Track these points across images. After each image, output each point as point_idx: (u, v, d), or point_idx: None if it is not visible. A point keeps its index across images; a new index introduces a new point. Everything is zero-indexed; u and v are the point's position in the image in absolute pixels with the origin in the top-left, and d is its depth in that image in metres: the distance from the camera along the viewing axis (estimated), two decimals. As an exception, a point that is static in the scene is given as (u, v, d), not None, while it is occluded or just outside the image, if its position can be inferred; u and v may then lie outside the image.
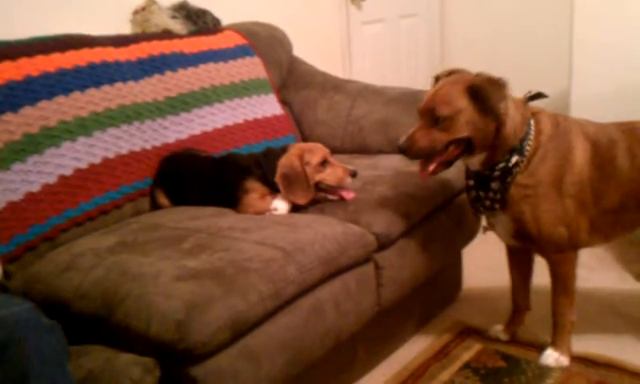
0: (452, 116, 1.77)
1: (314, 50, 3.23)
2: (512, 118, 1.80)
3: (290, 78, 2.89)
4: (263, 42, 2.78)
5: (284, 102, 2.76)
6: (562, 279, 1.98)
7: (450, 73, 1.92)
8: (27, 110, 1.90)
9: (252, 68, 2.64)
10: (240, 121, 2.50)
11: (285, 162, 2.01)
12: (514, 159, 1.82)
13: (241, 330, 1.47)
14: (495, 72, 4.55)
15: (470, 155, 1.84)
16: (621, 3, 2.86)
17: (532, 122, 1.86)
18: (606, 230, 1.97)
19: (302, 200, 2.01)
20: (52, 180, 1.90)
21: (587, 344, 2.14)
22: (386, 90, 2.73)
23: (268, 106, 2.61)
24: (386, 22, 4.04)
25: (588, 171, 1.86)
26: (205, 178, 2.12)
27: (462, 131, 1.78)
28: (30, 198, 1.85)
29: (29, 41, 2.04)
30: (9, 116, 1.86)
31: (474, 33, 4.41)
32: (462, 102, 1.77)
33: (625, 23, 2.86)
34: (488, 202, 1.89)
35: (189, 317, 1.38)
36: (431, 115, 1.79)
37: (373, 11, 3.89)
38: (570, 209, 1.87)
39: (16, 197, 1.82)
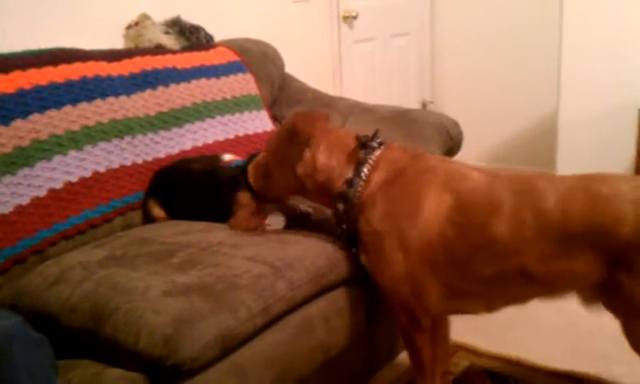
0: (268, 161, 1.83)
1: (306, 67, 3.26)
2: (324, 166, 1.72)
3: (282, 94, 2.91)
4: (255, 58, 2.80)
5: (275, 119, 2.78)
6: (414, 353, 1.73)
7: (307, 113, 1.97)
8: (18, 123, 1.90)
9: (244, 84, 2.66)
10: (231, 136, 2.51)
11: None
12: (341, 206, 1.71)
13: (230, 346, 1.46)
14: (485, 91, 4.61)
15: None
16: (609, 25, 2.91)
17: (365, 168, 1.68)
18: (483, 298, 1.66)
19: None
20: (42, 193, 1.90)
21: (577, 361, 2.15)
22: (376, 108, 2.75)
23: (259, 122, 2.63)
24: (377, 41, 4.08)
25: (440, 229, 1.57)
26: (197, 190, 2.12)
27: (275, 176, 1.83)
28: (20, 210, 1.84)
29: (22, 54, 2.05)
30: (0, 128, 1.86)
31: (464, 52, 4.47)
32: (271, 150, 1.83)
33: (613, 45, 2.91)
34: (345, 243, 1.80)
35: (178, 332, 1.38)
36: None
37: (365, 30, 3.93)
38: (415, 267, 1.60)
39: (5, 209, 1.82)
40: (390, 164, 1.68)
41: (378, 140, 1.74)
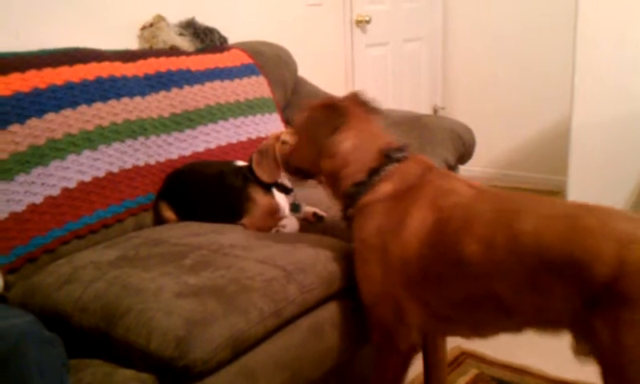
0: (296, 135, 1.79)
1: (319, 70, 3.27)
2: (345, 155, 1.65)
3: (295, 97, 2.91)
4: (269, 61, 2.81)
5: (288, 122, 2.78)
6: (382, 375, 1.65)
7: (352, 94, 1.80)
8: (34, 122, 1.92)
9: (257, 87, 2.66)
10: (244, 139, 2.52)
11: (263, 142, 2.08)
12: (350, 210, 1.67)
13: (241, 348, 1.46)
14: (497, 97, 4.58)
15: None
16: (623, 30, 2.89)
17: (376, 177, 1.62)
18: (464, 324, 1.57)
19: (267, 177, 2.03)
20: (55, 192, 1.91)
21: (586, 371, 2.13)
22: (389, 113, 2.74)
23: (272, 125, 2.63)
24: (389, 46, 4.08)
25: (419, 247, 1.49)
26: (207, 192, 2.13)
27: (298, 152, 1.76)
28: (33, 209, 1.86)
29: (37, 53, 2.06)
30: (15, 127, 1.87)
31: (476, 58, 4.46)
32: (301, 123, 1.75)
33: (627, 52, 2.89)
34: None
35: (189, 334, 1.38)
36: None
37: (377, 34, 3.93)
38: (393, 285, 1.54)
39: (19, 208, 1.83)
40: (402, 179, 1.61)
41: (402, 154, 1.66)
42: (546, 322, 1.42)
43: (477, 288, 1.42)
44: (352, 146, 1.66)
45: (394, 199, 1.59)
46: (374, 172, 1.63)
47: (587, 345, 1.35)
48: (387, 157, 1.65)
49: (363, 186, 1.63)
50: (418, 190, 1.57)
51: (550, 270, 1.31)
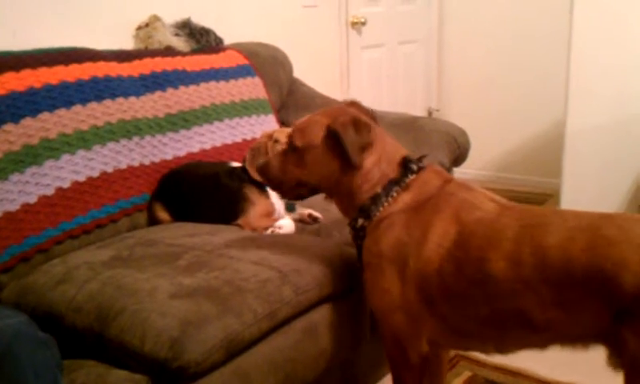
0: (304, 149, 1.62)
1: (314, 72, 3.27)
2: (367, 171, 1.59)
3: (290, 99, 2.92)
4: (264, 62, 2.81)
5: (283, 123, 2.78)
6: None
7: (351, 103, 1.75)
8: (28, 121, 1.91)
9: (252, 88, 2.66)
10: (239, 140, 2.52)
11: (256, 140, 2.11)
12: (360, 221, 1.61)
13: (235, 349, 1.46)
14: (491, 100, 4.59)
15: (328, 198, 1.70)
16: (618, 36, 2.91)
17: (395, 189, 1.58)
18: (486, 340, 1.52)
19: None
20: (49, 192, 1.91)
21: (580, 373, 2.14)
22: (385, 115, 2.74)
23: (267, 126, 2.63)
24: (385, 48, 4.09)
25: (439, 262, 1.46)
26: (202, 193, 2.13)
27: (310, 168, 1.63)
28: (27, 209, 1.85)
29: (33, 52, 2.06)
30: (9, 126, 1.87)
31: (471, 61, 4.47)
32: (318, 138, 1.60)
33: (621, 56, 2.91)
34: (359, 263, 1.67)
35: (184, 335, 1.38)
36: (291, 142, 1.66)
37: (373, 37, 3.94)
38: (410, 299, 1.50)
39: (13, 207, 1.82)
40: (421, 189, 1.57)
41: (420, 164, 1.62)
42: (575, 337, 1.39)
43: (502, 305, 1.39)
44: (376, 160, 1.61)
45: (414, 211, 1.55)
46: (393, 183, 1.59)
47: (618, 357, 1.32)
48: (406, 168, 1.61)
49: (382, 197, 1.58)
50: (438, 202, 1.53)
51: (578, 284, 1.30)
